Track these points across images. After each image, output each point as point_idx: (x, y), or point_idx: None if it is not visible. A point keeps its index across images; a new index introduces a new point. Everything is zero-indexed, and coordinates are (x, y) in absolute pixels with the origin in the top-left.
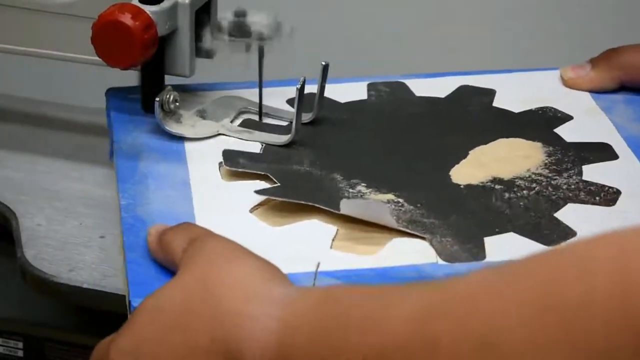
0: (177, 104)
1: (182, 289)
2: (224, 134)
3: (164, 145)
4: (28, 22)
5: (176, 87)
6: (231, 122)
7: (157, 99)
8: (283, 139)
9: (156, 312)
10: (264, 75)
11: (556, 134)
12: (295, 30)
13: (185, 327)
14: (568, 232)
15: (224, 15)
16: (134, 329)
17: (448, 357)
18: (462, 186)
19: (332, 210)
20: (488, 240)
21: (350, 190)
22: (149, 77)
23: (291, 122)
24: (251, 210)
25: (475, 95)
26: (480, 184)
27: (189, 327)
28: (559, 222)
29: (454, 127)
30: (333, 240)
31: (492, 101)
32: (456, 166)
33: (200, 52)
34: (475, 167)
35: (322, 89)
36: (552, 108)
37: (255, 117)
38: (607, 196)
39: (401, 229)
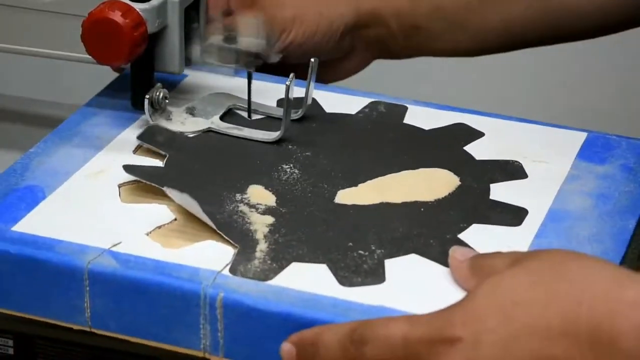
0: (167, 101)
1: (532, 271)
2: (213, 131)
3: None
4: (17, 20)
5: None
6: (220, 118)
7: (147, 96)
8: (272, 135)
9: (498, 289)
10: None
11: (466, 151)
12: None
13: (533, 303)
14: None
15: (212, 40)
16: (473, 303)
17: None
18: (351, 209)
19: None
20: (389, 262)
21: (233, 200)
22: (139, 75)
23: (280, 119)
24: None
25: (386, 112)
26: (374, 205)
27: (538, 303)
28: (462, 243)
29: (367, 146)
30: (158, 227)
31: (402, 118)
32: (351, 189)
33: (189, 60)
34: (375, 191)
35: (310, 85)
36: (464, 124)
37: (245, 114)
38: (512, 216)
39: (215, 228)
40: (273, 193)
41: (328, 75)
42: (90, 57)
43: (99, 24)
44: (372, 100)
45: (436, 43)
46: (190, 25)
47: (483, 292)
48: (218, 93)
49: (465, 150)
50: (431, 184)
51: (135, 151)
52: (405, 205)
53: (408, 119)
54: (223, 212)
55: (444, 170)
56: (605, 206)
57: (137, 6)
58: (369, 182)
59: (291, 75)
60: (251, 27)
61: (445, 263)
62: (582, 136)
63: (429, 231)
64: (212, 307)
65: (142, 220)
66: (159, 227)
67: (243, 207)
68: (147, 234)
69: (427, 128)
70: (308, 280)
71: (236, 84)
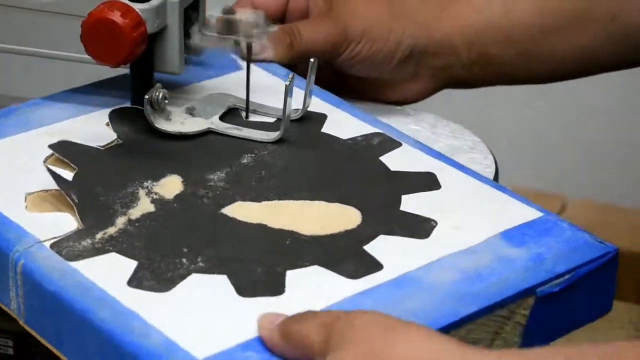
0: (167, 101)
1: (355, 356)
2: (213, 131)
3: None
4: (16, 20)
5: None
6: (220, 119)
7: (147, 96)
8: (272, 135)
9: None
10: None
11: (381, 162)
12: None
13: None
14: (372, 265)
15: (212, 12)
16: None
17: None
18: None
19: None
20: (290, 274)
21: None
22: (139, 75)
23: (280, 119)
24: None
25: (306, 120)
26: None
27: None
28: (365, 255)
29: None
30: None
31: (321, 127)
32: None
33: (188, 48)
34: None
35: (309, 85)
36: (382, 134)
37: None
38: (421, 228)
39: (71, 203)
40: (184, 186)
41: (388, 96)
42: (89, 57)
43: (98, 24)
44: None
45: (508, 71)
46: (190, 25)
47: None
48: (218, 93)
49: (380, 160)
50: (328, 220)
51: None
52: (281, 232)
53: (327, 127)
54: (110, 194)
55: (351, 209)
56: (462, 286)
57: (137, 6)
58: (267, 202)
59: (290, 75)
60: (249, 12)
61: (345, 274)
62: (531, 214)
63: (332, 241)
64: (15, 272)
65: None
66: (40, 191)
67: (140, 192)
68: (28, 195)
69: (344, 137)
70: (105, 275)
71: (237, 84)
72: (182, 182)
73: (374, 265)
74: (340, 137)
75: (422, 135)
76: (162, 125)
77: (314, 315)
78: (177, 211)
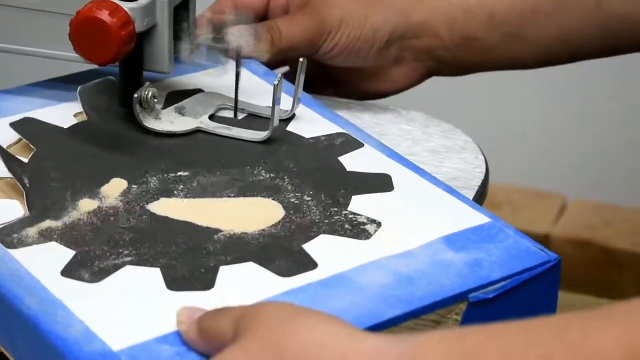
0: (156, 100)
1: (249, 352)
2: (202, 130)
3: None
4: (4, 19)
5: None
6: (210, 118)
7: (136, 95)
8: (261, 135)
9: None
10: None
11: (339, 161)
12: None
13: None
14: (307, 264)
15: (203, 34)
16: None
17: None
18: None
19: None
20: (223, 269)
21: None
22: (128, 73)
23: (269, 119)
24: None
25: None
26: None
27: None
28: (303, 254)
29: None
30: None
31: (286, 125)
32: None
33: (178, 53)
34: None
35: (299, 85)
36: (346, 134)
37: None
38: (363, 229)
39: (21, 188)
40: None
41: (375, 85)
42: (78, 55)
43: (86, 23)
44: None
45: (491, 54)
46: (180, 24)
47: None
48: (208, 93)
49: (339, 160)
50: (253, 215)
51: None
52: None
53: (292, 126)
54: (64, 180)
55: (271, 202)
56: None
57: (125, 5)
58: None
59: (279, 74)
60: (240, 26)
61: (278, 272)
62: (478, 220)
63: (273, 240)
64: None
65: None
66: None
67: (92, 182)
68: None
69: (308, 136)
70: (42, 264)
71: (227, 84)
72: (133, 177)
73: (309, 264)
74: (304, 135)
75: (413, 135)
76: (151, 124)
77: (227, 310)
78: (119, 206)
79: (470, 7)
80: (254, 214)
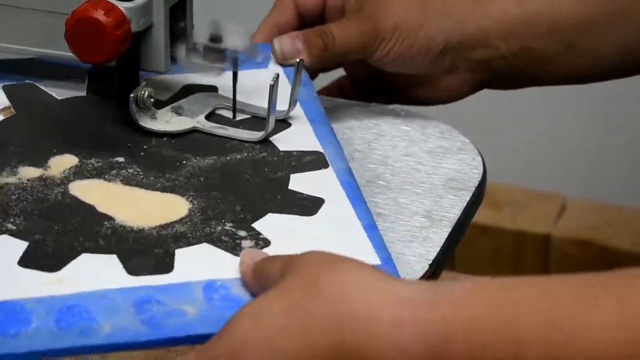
0: (152, 100)
1: (288, 292)
2: (198, 130)
3: None
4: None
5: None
6: (206, 118)
7: (132, 94)
8: (257, 135)
9: (259, 317)
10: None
11: (288, 179)
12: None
13: (293, 328)
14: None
15: (199, 39)
16: (233, 336)
17: None
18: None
19: None
20: (178, 252)
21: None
22: (124, 73)
23: (265, 118)
24: None
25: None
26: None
27: (298, 328)
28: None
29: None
30: None
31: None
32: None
33: (175, 60)
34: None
35: (296, 85)
36: (320, 153)
37: (230, 114)
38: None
39: None
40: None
41: (427, 92)
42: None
43: (82, 23)
44: None
45: (547, 66)
46: (176, 24)
47: (247, 318)
48: (204, 92)
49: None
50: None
51: None
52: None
53: (277, 137)
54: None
55: (181, 202)
56: None
57: (121, 5)
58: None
59: (275, 74)
60: (237, 28)
61: (234, 252)
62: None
63: (150, 238)
64: None
65: None
66: None
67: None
68: None
69: (283, 149)
70: None
71: (224, 83)
72: (80, 161)
73: (263, 242)
74: (280, 148)
75: (411, 136)
76: (148, 123)
77: (280, 256)
78: (48, 178)
79: (529, 17)
80: (156, 210)
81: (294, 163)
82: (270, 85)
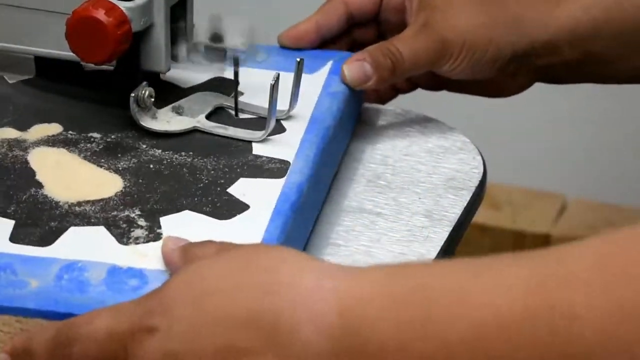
0: (153, 99)
1: (225, 261)
2: (199, 129)
3: None
4: (1, 18)
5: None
6: (207, 118)
7: (133, 94)
8: (257, 135)
9: (193, 277)
10: None
11: (233, 181)
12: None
13: (225, 293)
14: (240, 206)
15: (200, 39)
16: (165, 293)
17: (589, 327)
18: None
19: None
20: (163, 220)
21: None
22: (125, 73)
23: (266, 118)
24: None
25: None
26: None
27: (227, 293)
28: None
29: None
30: None
31: None
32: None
33: (175, 58)
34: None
35: (297, 84)
36: (287, 162)
37: (231, 113)
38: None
39: None
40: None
41: (486, 92)
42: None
43: (82, 22)
44: None
45: (610, 68)
46: (177, 23)
47: (180, 280)
48: (205, 92)
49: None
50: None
51: None
52: None
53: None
54: None
55: (115, 180)
56: None
57: (122, 4)
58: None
59: (275, 73)
60: (237, 26)
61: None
62: None
63: (133, 207)
64: None
65: None
66: None
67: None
68: None
69: (256, 153)
70: None
71: (224, 83)
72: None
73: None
74: (253, 151)
75: (411, 135)
76: (148, 123)
77: (215, 242)
78: (17, 143)
79: (597, 24)
80: (87, 187)
81: (253, 168)
82: (270, 85)
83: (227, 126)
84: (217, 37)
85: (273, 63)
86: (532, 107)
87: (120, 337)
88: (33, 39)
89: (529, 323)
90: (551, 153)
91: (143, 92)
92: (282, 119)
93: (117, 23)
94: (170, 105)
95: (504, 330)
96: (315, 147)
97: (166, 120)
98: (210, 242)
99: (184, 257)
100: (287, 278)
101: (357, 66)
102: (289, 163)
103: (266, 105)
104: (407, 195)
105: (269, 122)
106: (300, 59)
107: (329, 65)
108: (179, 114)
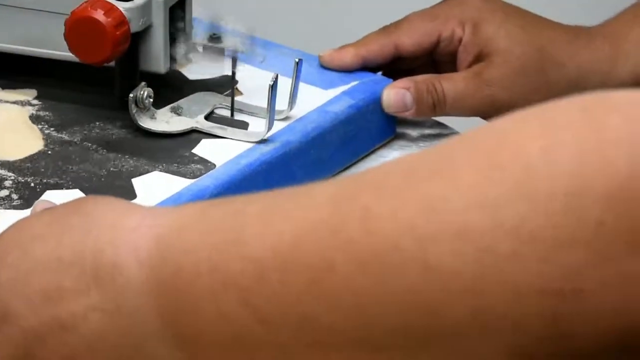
0: (151, 100)
1: (55, 210)
2: (197, 130)
3: None
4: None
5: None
6: (205, 118)
7: (131, 95)
8: (256, 135)
9: (22, 225)
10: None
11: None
12: (266, 58)
13: (49, 237)
14: (129, 196)
15: (199, 39)
16: None
17: (384, 228)
18: None
19: None
20: (135, 181)
21: None
22: (124, 73)
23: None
24: None
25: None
26: None
27: (53, 236)
28: (126, 187)
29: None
30: None
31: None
32: None
33: (175, 58)
34: None
35: (295, 85)
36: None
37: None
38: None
39: None
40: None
41: None
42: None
43: (81, 23)
44: None
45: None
46: (176, 24)
47: (10, 230)
48: (204, 92)
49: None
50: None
51: None
52: None
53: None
54: None
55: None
56: None
57: (121, 5)
58: None
59: (274, 74)
60: (236, 26)
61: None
62: None
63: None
64: None
65: None
66: None
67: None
68: None
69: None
70: None
71: (223, 83)
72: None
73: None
74: (194, 150)
75: (410, 135)
76: (147, 123)
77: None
78: None
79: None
80: (6, 146)
81: (175, 165)
82: (269, 85)
83: (225, 127)
84: (215, 37)
85: (273, 63)
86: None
87: None
88: (32, 39)
89: (337, 227)
90: None
91: (141, 92)
92: (280, 120)
93: (116, 24)
94: (169, 106)
95: (313, 239)
96: (256, 157)
97: (165, 121)
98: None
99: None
100: (110, 221)
101: (399, 94)
102: (215, 166)
103: (265, 106)
104: None
105: (267, 123)
106: (299, 59)
107: (351, 84)
108: (178, 114)
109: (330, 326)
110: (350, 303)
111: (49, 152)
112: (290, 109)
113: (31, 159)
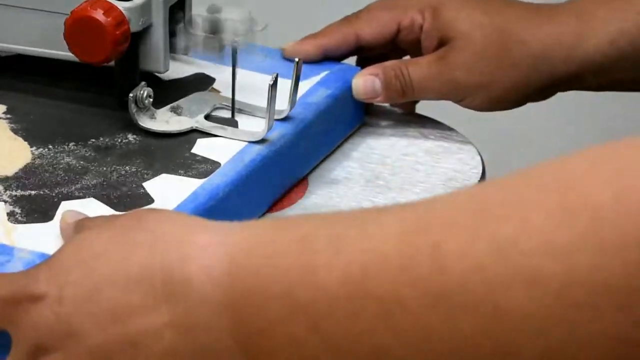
0: (151, 99)
1: (112, 225)
2: (197, 130)
3: None
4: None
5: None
6: (205, 118)
7: (131, 94)
8: (256, 134)
9: (82, 243)
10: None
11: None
12: (268, 27)
13: (113, 254)
14: (146, 199)
15: (198, 12)
16: (54, 260)
17: (453, 267)
18: None
19: None
20: (147, 185)
21: None
22: (124, 73)
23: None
24: None
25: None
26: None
27: (117, 253)
28: (141, 191)
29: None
30: None
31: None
32: None
33: (174, 48)
34: None
35: (295, 84)
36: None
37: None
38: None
39: None
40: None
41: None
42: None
43: (81, 22)
44: None
45: (632, 88)
46: (175, 24)
47: (68, 247)
48: (203, 92)
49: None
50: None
51: None
52: None
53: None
54: None
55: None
56: None
57: (120, 5)
58: None
59: (274, 74)
60: (236, 17)
61: (119, 208)
62: None
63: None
64: None
65: None
66: None
67: None
68: None
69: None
70: None
71: (223, 82)
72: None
73: (147, 200)
74: (193, 151)
75: (410, 135)
76: (147, 123)
77: (109, 215)
78: None
79: (623, 55)
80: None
81: (180, 166)
82: (269, 85)
83: (225, 126)
84: (215, 29)
85: (273, 64)
86: (532, 107)
87: (2, 306)
88: (32, 39)
89: (407, 262)
90: (551, 153)
91: (141, 92)
92: (279, 119)
93: (116, 23)
94: (169, 106)
95: (384, 272)
96: (257, 153)
97: (165, 121)
98: (104, 216)
99: (77, 229)
100: (178, 237)
101: (368, 80)
102: (219, 164)
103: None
104: (405, 195)
105: (267, 122)
106: (299, 59)
107: (322, 75)
108: (178, 114)
109: (402, 359)
110: (422, 339)
111: (42, 162)
112: (291, 109)
113: (25, 170)
